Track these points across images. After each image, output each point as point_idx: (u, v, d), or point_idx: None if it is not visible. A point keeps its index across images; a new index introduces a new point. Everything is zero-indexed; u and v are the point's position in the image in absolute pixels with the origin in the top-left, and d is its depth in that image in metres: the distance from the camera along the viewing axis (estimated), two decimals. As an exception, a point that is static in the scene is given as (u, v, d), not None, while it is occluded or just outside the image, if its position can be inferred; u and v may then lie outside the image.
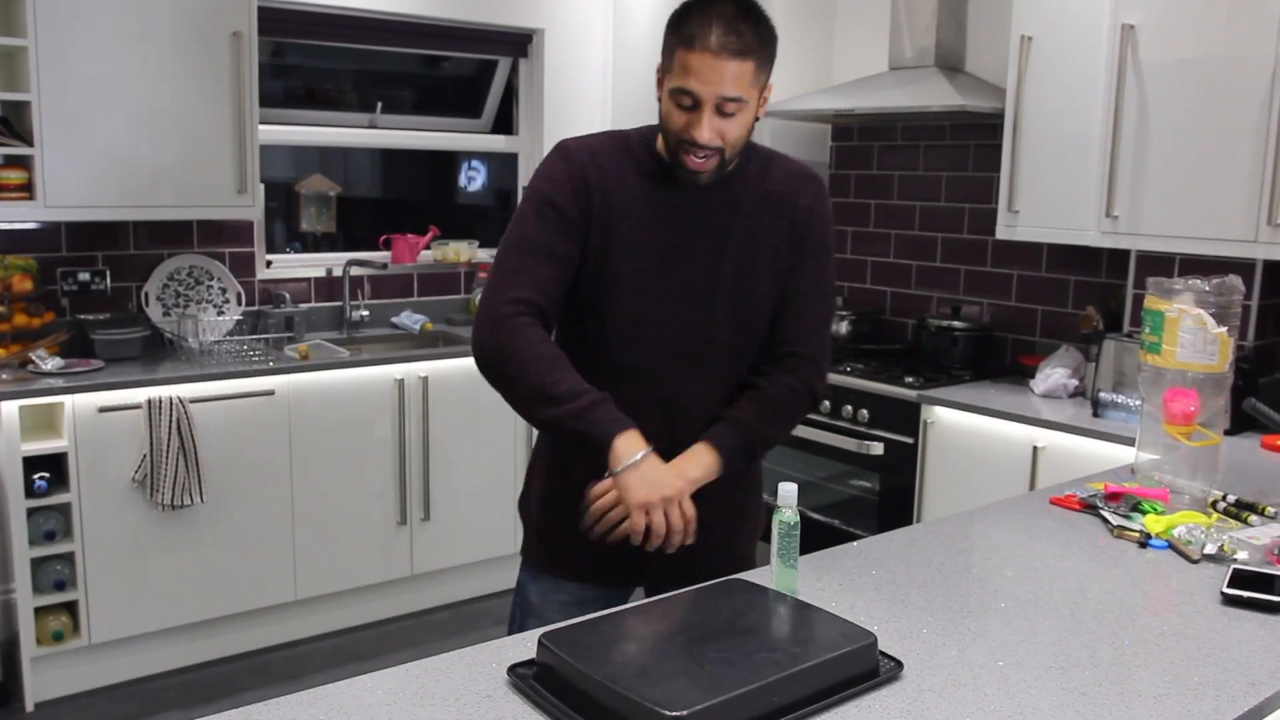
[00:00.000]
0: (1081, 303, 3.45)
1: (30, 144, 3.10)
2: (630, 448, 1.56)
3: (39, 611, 3.05)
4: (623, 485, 1.56)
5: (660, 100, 1.64)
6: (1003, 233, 3.30)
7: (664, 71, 1.62)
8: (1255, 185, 2.70)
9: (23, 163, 3.13)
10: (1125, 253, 3.20)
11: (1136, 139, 2.95)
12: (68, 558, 3.07)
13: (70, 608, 3.12)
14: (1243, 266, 2.84)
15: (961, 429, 3.15)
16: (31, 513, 2.99)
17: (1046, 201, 3.18)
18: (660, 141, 1.69)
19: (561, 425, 1.58)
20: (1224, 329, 1.93)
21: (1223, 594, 1.55)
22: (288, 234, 4.24)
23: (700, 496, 1.66)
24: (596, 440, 1.56)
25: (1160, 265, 3.05)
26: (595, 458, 1.58)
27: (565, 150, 1.69)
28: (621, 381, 1.68)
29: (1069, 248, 3.42)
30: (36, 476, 2.98)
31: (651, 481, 1.56)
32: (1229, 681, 1.30)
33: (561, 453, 1.78)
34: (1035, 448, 2.96)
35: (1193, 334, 1.94)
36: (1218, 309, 1.94)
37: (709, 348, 1.72)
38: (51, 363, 3.13)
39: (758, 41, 1.57)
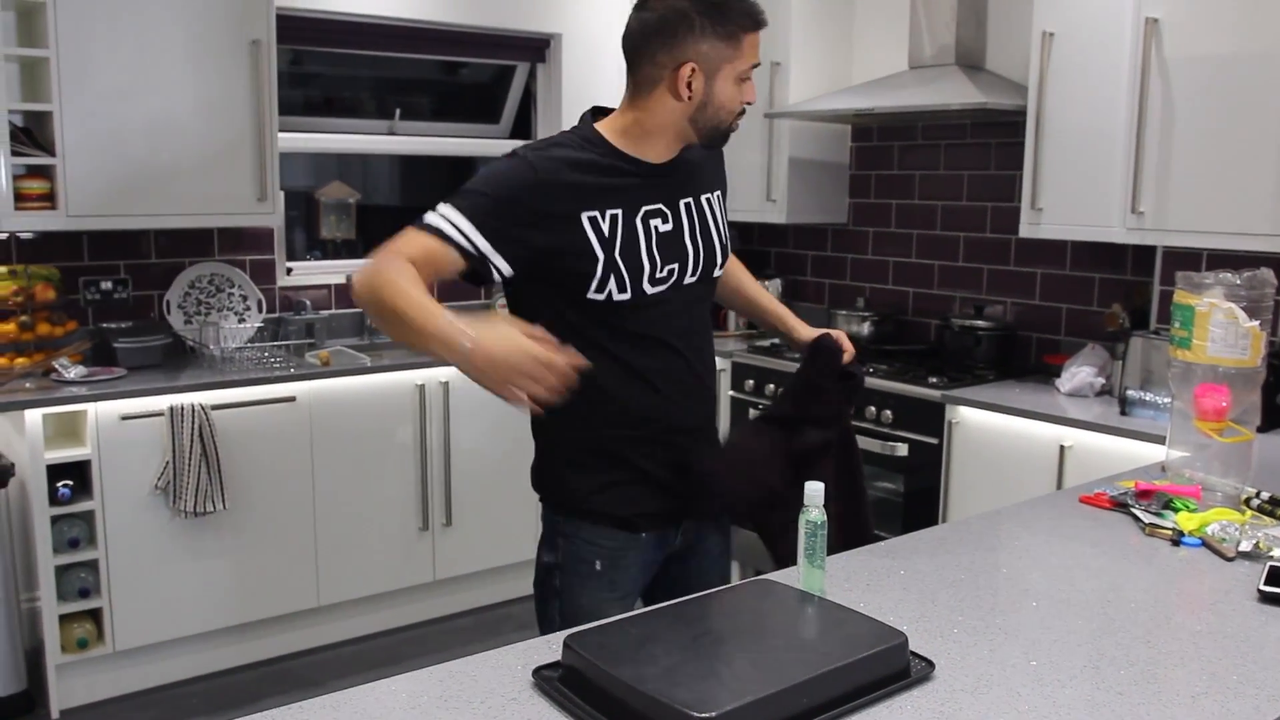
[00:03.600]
0: (1106, 300, 3.41)
1: (52, 154, 3.12)
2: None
3: (63, 619, 3.06)
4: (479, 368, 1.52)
5: (700, 92, 1.67)
6: (1026, 231, 3.27)
7: (723, 61, 1.66)
8: (1284, 178, 2.66)
9: (45, 172, 3.15)
10: (1151, 249, 3.17)
11: (1161, 134, 2.91)
12: (91, 565, 3.08)
13: (94, 615, 3.13)
14: (1271, 261, 2.79)
15: (987, 429, 3.12)
16: (55, 520, 3.00)
17: (1070, 199, 3.14)
18: (614, 134, 1.71)
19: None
20: (1256, 323, 1.90)
21: (1259, 591, 1.52)
22: (308, 241, 4.25)
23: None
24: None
25: (1187, 261, 3.01)
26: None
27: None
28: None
29: (1093, 245, 3.38)
30: (60, 484, 2.99)
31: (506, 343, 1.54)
32: (1270, 680, 1.27)
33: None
34: (1062, 447, 2.92)
35: (1224, 328, 1.90)
36: (1249, 303, 1.91)
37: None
38: (74, 371, 3.14)
39: None
